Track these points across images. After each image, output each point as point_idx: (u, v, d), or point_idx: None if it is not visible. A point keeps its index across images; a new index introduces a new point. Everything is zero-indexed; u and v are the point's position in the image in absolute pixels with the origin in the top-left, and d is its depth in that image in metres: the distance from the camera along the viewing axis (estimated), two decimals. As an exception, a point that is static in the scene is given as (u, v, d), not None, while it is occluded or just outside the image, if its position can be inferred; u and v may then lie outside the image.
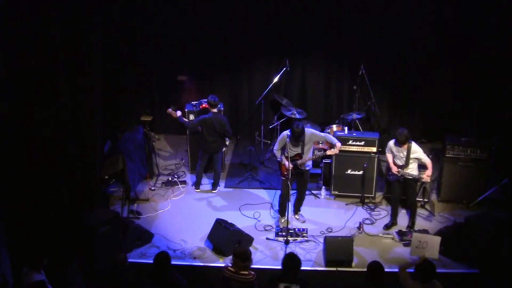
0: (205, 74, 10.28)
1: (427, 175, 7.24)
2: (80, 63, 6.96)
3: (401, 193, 7.62)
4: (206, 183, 8.99)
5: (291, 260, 5.43)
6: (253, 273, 5.51)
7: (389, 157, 7.49)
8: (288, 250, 7.16)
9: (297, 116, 9.24)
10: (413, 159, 7.22)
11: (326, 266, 6.91)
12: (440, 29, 9.42)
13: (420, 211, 7.97)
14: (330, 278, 6.69)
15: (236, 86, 10.45)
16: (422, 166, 7.42)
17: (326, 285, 6.68)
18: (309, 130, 7.39)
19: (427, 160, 7.27)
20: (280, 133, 7.73)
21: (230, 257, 5.77)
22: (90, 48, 7.05)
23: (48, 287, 5.44)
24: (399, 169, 7.30)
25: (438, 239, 6.04)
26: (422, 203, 8.14)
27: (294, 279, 5.37)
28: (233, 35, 9.98)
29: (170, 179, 9.03)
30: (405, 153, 7.21)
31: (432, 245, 5.93)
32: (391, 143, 7.40)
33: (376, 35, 9.65)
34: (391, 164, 7.43)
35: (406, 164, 7.25)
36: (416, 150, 7.20)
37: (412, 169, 7.28)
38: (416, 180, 7.41)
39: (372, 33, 9.64)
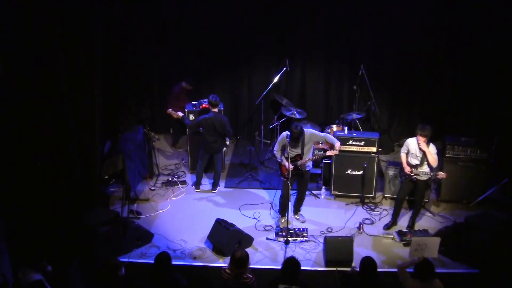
0: (205, 74, 10.28)
1: (445, 172, 7.26)
2: (80, 63, 6.96)
3: (408, 194, 7.63)
4: (206, 183, 8.99)
5: (290, 264, 5.44)
6: (251, 276, 5.49)
7: (403, 157, 7.46)
8: (288, 250, 7.18)
9: (297, 116, 9.24)
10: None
11: (326, 266, 6.91)
12: (440, 29, 9.43)
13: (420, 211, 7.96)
14: (330, 278, 6.68)
15: (236, 86, 10.46)
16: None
17: (326, 285, 6.68)
18: (309, 131, 7.39)
19: (436, 162, 7.26)
20: (280, 133, 7.73)
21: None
22: (90, 48, 7.05)
23: (46, 287, 5.43)
24: (413, 169, 7.30)
25: (437, 239, 6.04)
26: (422, 203, 8.13)
27: (293, 281, 5.37)
28: (233, 35, 9.99)
29: (170, 179, 9.04)
30: (422, 152, 7.20)
31: (432, 246, 5.93)
32: (410, 140, 7.34)
33: (376, 35, 9.66)
34: (405, 164, 7.41)
35: (421, 163, 7.24)
36: (433, 152, 7.19)
37: (426, 169, 7.27)
38: (427, 181, 7.41)
39: (372, 33, 9.65)
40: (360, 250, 7.19)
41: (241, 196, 8.64)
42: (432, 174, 7.30)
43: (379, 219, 7.98)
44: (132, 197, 8.17)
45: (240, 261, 5.42)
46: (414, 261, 5.72)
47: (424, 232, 7.40)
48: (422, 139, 7.10)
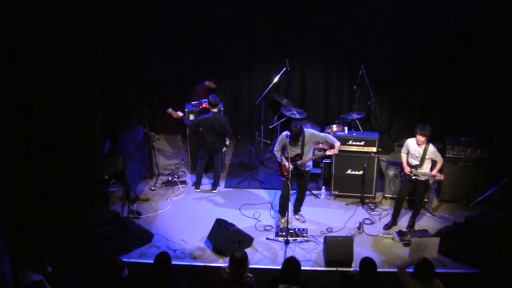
0: (205, 74, 10.27)
1: (443, 174, 7.26)
2: (80, 63, 6.96)
3: (408, 194, 7.63)
4: (206, 183, 8.99)
5: (290, 264, 5.43)
6: (251, 275, 5.49)
7: (404, 157, 7.47)
8: (288, 250, 7.18)
9: (297, 116, 9.24)
10: (428, 159, 7.22)
11: (326, 266, 6.91)
12: (440, 29, 9.42)
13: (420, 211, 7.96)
14: (330, 278, 6.68)
15: (236, 86, 10.46)
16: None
17: (326, 285, 6.68)
18: (309, 131, 7.39)
19: (441, 160, 7.27)
20: (280, 133, 7.73)
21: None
22: (90, 48, 7.05)
23: (47, 287, 5.43)
24: (412, 169, 7.30)
25: (437, 239, 6.04)
26: (422, 203, 8.13)
27: (293, 281, 5.37)
28: (234, 35, 9.99)
29: (170, 179, 9.04)
30: (421, 153, 7.20)
31: (431, 246, 5.93)
32: (409, 141, 7.36)
33: (376, 35, 9.66)
34: (405, 165, 7.42)
35: (421, 164, 7.24)
36: (433, 151, 7.20)
37: (426, 169, 7.27)
38: (427, 181, 7.41)
39: (372, 33, 9.65)
40: (360, 250, 7.19)
41: (241, 196, 8.64)
42: (429, 175, 7.29)
43: (379, 219, 7.98)
44: (132, 197, 8.17)
45: (239, 262, 5.41)
46: (414, 261, 5.71)
47: (424, 232, 7.40)
48: (421, 139, 7.10)
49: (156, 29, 9.98)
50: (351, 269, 6.30)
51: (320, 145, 8.28)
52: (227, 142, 8.67)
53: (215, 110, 8.30)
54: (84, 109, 7.18)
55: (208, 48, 10.08)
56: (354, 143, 8.23)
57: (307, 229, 7.59)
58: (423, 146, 7.19)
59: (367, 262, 5.50)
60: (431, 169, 7.30)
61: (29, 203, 6.58)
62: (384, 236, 7.53)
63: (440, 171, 7.35)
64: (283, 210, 7.73)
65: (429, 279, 5.39)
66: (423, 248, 5.84)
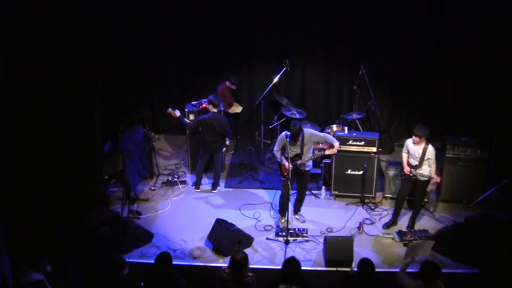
0: (205, 74, 10.28)
1: (435, 181, 7.20)
2: (80, 63, 6.96)
3: (408, 194, 7.63)
4: (206, 183, 8.99)
5: (290, 264, 5.43)
6: (251, 274, 5.49)
7: (404, 156, 7.47)
8: (288, 250, 7.18)
9: (297, 116, 9.24)
10: (427, 160, 7.22)
11: (326, 266, 6.91)
12: (440, 29, 9.43)
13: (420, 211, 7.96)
14: (330, 278, 6.68)
15: (236, 86, 10.45)
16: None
17: (326, 285, 6.67)
18: (309, 131, 7.39)
19: (433, 167, 7.23)
20: (280, 133, 7.74)
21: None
22: (90, 48, 7.05)
23: (47, 287, 5.44)
24: (412, 169, 7.30)
25: (432, 242, 6.14)
26: (422, 203, 8.13)
27: (294, 281, 5.36)
28: (234, 35, 10.00)
29: (170, 179, 9.04)
30: (420, 153, 7.20)
31: (425, 246, 5.99)
32: (409, 141, 7.36)
33: (376, 35, 9.66)
34: (405, 164, 7.42)
35: (420, 164, 7.24)
36: (431, 152, 7.19)
37: (425, 170, 7.26)
38: (427, 181, 7.40)
39: (372, 33, 9.65)
40: (360, 250, 7.20)
41: (241, 196, 8.64)
42: (428, 176, 7.27)
43: (379, 219, 7.98)
44: (132, 197, 8.17)
45: (240, 265, 5.41)
46: (408, 262, 5.76)
47: (424, 232, 7.41)
48: (416, 139, 7.12)
49: (156, 29, 9.99)
50: (350, 269, 6.29)
51: (320, 145, 8.29)
52: (227, 142, 8.67)
53: (215, 110, 8.30)
54: (84, 109, 7.18)
55: (208, 48, 10.08)
56: (354, 143, 8.23)
57: (307, 229, 7.59)
58: (422, 146, 7.18)
59: (365, 264, 5.49)
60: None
61: (29, 203, 6.58)
62: (384, 236, 7.53)
63: (441, 171, 7.33)
64: (283, 210, 7.73)
65: (432, 280, 5.35)
66: (416, 247, 5.89)
